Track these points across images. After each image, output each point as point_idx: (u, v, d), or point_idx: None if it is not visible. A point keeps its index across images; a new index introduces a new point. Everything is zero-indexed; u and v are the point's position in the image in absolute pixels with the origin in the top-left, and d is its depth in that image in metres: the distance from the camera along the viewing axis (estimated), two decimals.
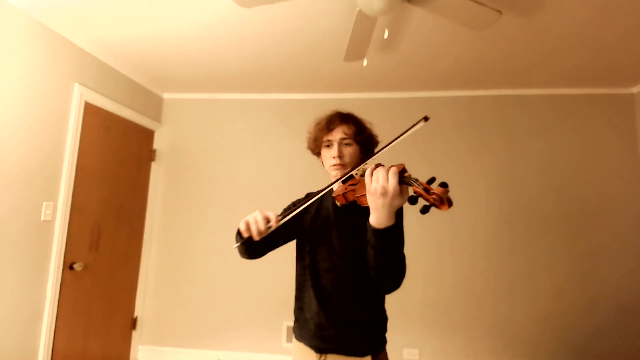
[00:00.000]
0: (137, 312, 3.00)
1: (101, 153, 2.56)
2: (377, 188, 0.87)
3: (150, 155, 3.16)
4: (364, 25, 1.77)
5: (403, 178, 0.87)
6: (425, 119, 1.02)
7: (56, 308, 2.19)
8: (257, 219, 0.98)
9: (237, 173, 3.15)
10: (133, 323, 2.97)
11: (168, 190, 3.20)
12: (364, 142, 1.23)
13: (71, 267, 2.30)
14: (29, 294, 2.04)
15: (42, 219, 2.10)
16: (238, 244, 1.10)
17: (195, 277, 3.06)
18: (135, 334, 2.97)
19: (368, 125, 1.28)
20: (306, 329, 1.18)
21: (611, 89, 2.86)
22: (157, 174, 3.20)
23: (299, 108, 3.17)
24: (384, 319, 1.20)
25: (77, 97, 2.32)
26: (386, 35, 1.91)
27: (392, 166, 0.89)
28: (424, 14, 1.90)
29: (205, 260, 3.07)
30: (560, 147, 2.87)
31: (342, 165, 1.18)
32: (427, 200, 0.82)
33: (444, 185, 0.81)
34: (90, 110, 2.45)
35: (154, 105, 3.19)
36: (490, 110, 2.98)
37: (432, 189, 0.81)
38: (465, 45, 2.26)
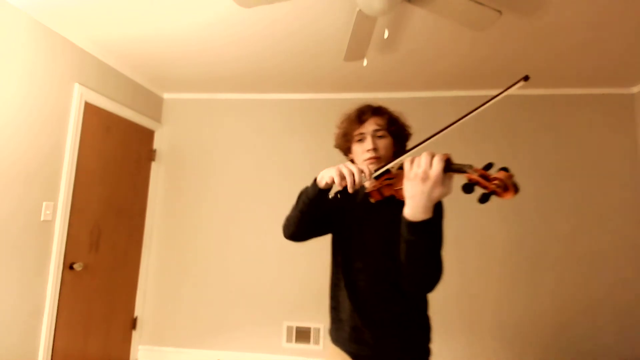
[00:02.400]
0: (137, 312, 3.00)
1: (101, 153, 2.56)
2: (418, 173, 0.79)
3: (150, 155, 3.16)
4: (364, 25, 1.77)
5: (451, 165, 0.79)
6: (526, 78, 0.90)
7: (56, 308, 2.19)
8: (353, 170, 0.93)
9: (237, 173, 3.15)
10: (133, 323, 2.97)
11: (168, 190, 3.20)
12: (397, 133, 1.16)
13: (71, 267, 2.30)
14: (29, 294, 2.04)
15: (42, 219, 2.10)
16: (334, 193, 0.99)
17: (196, 277, 3.06)
18: (135, 334, 2.97)
19: (399, 116, 1.21)
20: (342, 331, 1.12)
21: (611, 89, 2.86)
22: (157, 174, 3.20)
23: (299, 108, 3.17)
24: (427, 327, 1.11)
25: (77, 97, 2.32)
26: (386, 35, 1.91)
27: (439, 154, 0.81)
28: (424, 14, 1.90)
29: (206, 260, 3.07)
30: (560, 147, 2.87)
31: (378, 158, 1.10)
32: (485, 187, 0.73)
33: (505, 169, 0.72)
34: (90, 110, 2.45)
35: (154, 105, 3.19)
36: (490, 110, 2.97)
37: (492, 175, 0.73)
38: (465, 45, 2.26)
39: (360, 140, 1.15)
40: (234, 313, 2.98)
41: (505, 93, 0.92)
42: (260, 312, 2.96)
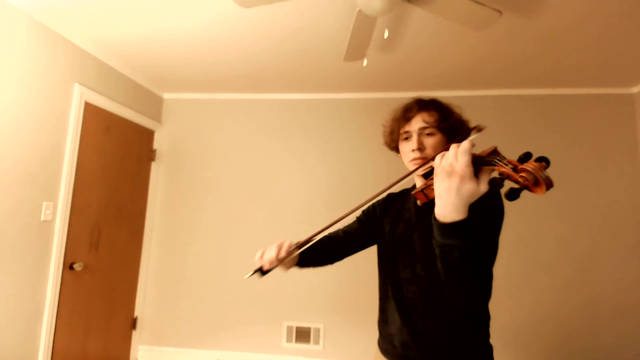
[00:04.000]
0: (137, 312, 3.00)
1: (101, 153, 2.56)
2: (444, 166, 0.70)
3: (150, 155, 3.16)
4: (364, 25, 1.77)
5: (482, 158, 0.68)
6: (478, 129, 0.81)
7: (56, 308, 2.19)
8: (271, 248, 0.98)
9: (236, 173, 3.15)
10: (133, 323, 2.97)
11: (168, 190, 3.20)
12: (451, 130, 1.03)
13: (71, 267, 2.30)
14: (29, 294, 2.04)
15: (42, 219, 2.10)
16: (249, 275, 1.03)
17: (196, 277, 3.06)
18: (135, 334, 2.97)
19: (456, 110, 1.08)
20: (390, 346, 1.05)
21: (611, 89, 2.86)
22: (157, 174, 3.20)
23: (299, 108, 3.17)
24: (485, 348, 1.01)
25: (77, 97, 2.32)
26: (386, 35, 1.91)
27: (464, 144, 0.71)
28: (424, 14, 1.90)
29: (206, 260, 3.07)
30: (560, 147, 2.87)
31: (424, 159, 0.99)
32: (515, 181, 0.63)
33: (540, 159, 0.62)
34: (90, 110, 2.45)
35: (154, 105, 3.19)
36: (490, 110, 2.98)
37: (521, 166, 0.63)
38: (465, 45, 2.26)
39: (407, 139, 1.05)
40: (234, 313, 2.98)
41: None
42: (260, 312, 2.95)
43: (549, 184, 0.60)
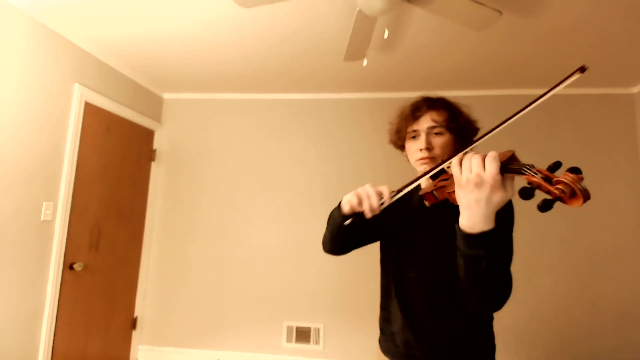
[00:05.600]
0: (137, 312, 3.00)
1: (101, 153, 2.56)
2: (470, 178, 0.68)
3: (150, 155, 3.16)
4: (364, 25, 1.77)
5: (508, 166, 0.67)
6: (582, 69, 0.73)
7: (56, 308, 2.20)
8: (370, 193, 0.87)
9: (236, 173, 3.15)
10: (133, 323, 2.97)
11: (168, 190, 3.20)
12: (459, 130, 1.02)
13: (71, 267, 2.30)
14: (29, 294, 2.04)
15: (42, 219, 2.10)
16: (349, 220, 0.94)
17: (196, 277, 3.06)
18: (135, 334, 2.97)
19: (465, 110, 1.06)
20: (392, 344, 1.04)
21: (611, 89, 2.86)
22: (157, 174, 3.20)
23: (299, 108, 3.17)
24: (489, 347, 1.01)
25: (77, 97, 2.32)
26: (386, 35, 1.91)
27: (492, 152, 0.69)
28: (424, 14, 1.90)
29: (206, 260, 3.07)
30: (560, 147, 2.87)
31: (432, 159, 0.98)
32: (548, 192, 0.61)
33: (574, 170, 0.60)
34: (90, 110, 2.45)
35: (154, 105, 3.19)
36: (490, 110, 2.96)
37: (556, 177, 0.61)
38: (465, 45, 2.26)
39: (414, 138, 1.03)
40: (234, 313, 2.98)
41: (562, 85, 0.81)
42: (260, 312, 2.96)
43: (587, 197, 0.58)
